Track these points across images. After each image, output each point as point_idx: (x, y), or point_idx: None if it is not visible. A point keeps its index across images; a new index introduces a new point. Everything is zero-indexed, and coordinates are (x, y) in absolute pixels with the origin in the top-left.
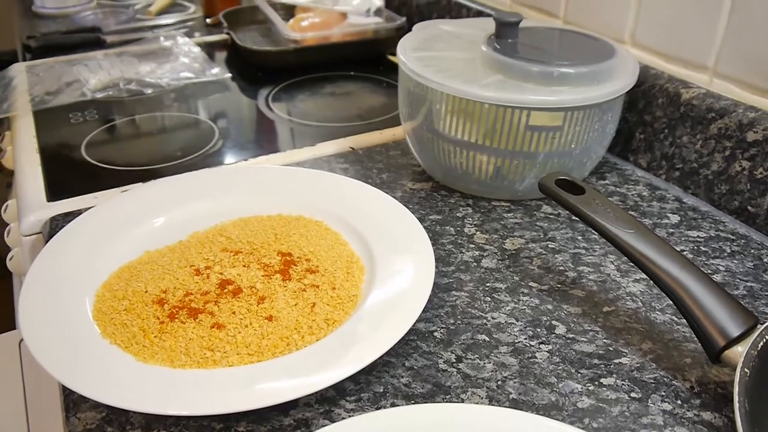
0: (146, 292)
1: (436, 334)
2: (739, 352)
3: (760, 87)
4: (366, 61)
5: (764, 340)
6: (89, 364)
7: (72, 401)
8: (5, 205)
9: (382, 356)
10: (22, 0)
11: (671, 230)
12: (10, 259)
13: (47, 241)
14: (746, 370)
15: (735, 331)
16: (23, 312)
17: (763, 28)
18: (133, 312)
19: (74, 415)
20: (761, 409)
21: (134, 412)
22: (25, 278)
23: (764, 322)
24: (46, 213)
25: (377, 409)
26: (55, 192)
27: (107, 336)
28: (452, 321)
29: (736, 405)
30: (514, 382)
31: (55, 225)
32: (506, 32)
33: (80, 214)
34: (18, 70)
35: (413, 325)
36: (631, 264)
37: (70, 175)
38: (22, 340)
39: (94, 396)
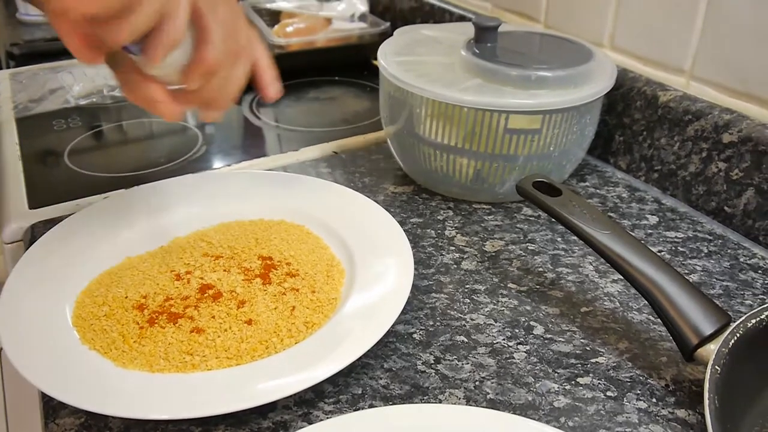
0: (126, 297)
1: (415, 335)
2: (711, 349)
3: (734, 89)
4: (351, 66)
5: (735, 337)
6: (68, 370)
7: (51, 407)
8: None
9: (361, 358)
10: (6, 7)
11: (650, 231)
12: None
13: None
14: (717, 367)
15: (708, 330)
16: (2, 319)
17: (737, 32)
18: (113, 318)
19: (53, 421)
20: (732, 405)
21: (113, 418)
22: (5, 285)
23: (737, 321)
24: (27, 221)
25: (355, 410)
26: (36, 199)
27: (86, 342)
28: (431, 323)
29: (706, 402)
30: (492, 383)
31: (36, 232)
32: (485, 36)
33: (61, 221)
34: (1, 78)
35: (392, 327)
36: (608, 265)
37: (52, 182)
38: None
39: (73, 402)
